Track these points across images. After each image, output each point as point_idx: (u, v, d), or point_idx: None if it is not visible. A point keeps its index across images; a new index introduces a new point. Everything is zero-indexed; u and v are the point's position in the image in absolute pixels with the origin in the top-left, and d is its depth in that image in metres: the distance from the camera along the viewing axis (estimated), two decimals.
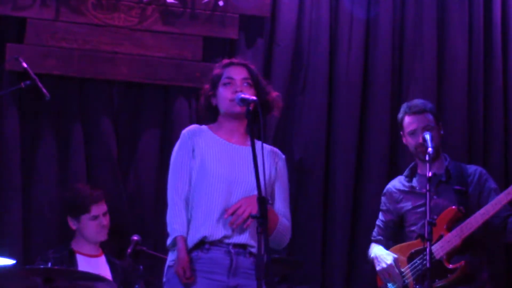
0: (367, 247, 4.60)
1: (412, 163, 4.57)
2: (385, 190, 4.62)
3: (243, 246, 3.47)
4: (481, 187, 4.37)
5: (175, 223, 3.48)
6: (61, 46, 5.06)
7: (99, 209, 4.65)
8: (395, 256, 4.37)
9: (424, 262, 4.08)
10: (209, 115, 3.70)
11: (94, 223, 4.64)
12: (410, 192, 4.48)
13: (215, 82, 3.65)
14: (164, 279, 3.53)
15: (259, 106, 3.38)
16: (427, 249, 3.79)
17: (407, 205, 4.46)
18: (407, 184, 4.52)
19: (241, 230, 3.46)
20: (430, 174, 3.98)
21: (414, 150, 4.43)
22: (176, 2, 5.24)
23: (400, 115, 4.53)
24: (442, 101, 5.59)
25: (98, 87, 5.16)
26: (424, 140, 4.26)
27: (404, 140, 4.53)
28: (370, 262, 4.51)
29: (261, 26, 5.43)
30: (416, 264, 4.31)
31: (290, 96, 5.46)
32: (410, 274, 4.33)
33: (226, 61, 3.75)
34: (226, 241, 3.45)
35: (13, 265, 4.22)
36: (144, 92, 5.25)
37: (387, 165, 5.47)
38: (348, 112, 5.48)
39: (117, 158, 5.14)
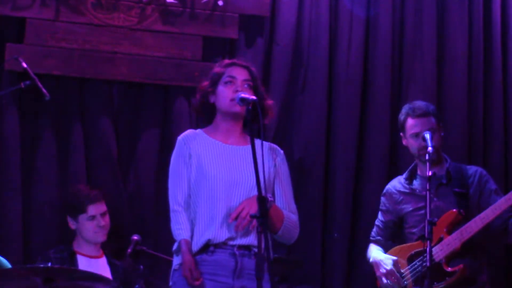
0: (366, 247, 4.60)
1: (412, 165, 4.56)
2: (384, 191, 4.62)
3: (248, 248, 3.47)
4: (481, 188, 4.37)
5: (177, 228, 3.51)
6: (61, 46, 5.06)
7: (96, 209, 4.64)
8: (395, 258, 4.37)
9: (424, 263, 4.09)
10: (204, 112, 3.69)
11: (92, 223, 4.63)
12: (411, 194, 4.47)
13: (215, 80, 3.65)
14: (170, 283, 3.54)
15: (259, 105, 3.39)
16: (427, 248, 3.78)
17: (408, 207, 4.45)
18: (407, 186, 4.51)
19: (245, 231, 3.46)
20: (430, 173, 3.98)
21: (417, 153, 4.41)
22: (175, 1, 5.24)
23: (402, 117, 4.50)
24: (442, 101, 5.59)
25: (98, 87, 5.16)
26: (424, 139, 4.26)
27: (404, 142, 4.52)
28: (369, 265, 4.50)
29: (261, 26, 5.42)
30: (416, 265, 4.30)
31: (290, 96, 5.46)
32: (409, 275, 4.32)
33: (227, 60, 3.76)
34: (231, 243, 3.47)
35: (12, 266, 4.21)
36: (144, 92, 5.25)
37: (387, 165, 5.47)
38: (348, 112, 5.48)
39: (117, 158, 5.14)
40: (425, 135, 4.26)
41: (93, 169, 5.11)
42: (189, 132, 3.67)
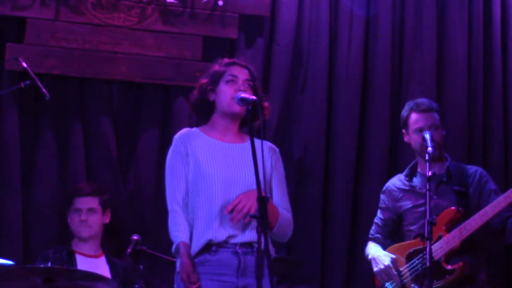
0: (365, 246, 4.59)
1: (412, 162, 4.56)
2: (384, 188, 4.62)
3: (250, 245, 3.47)
4: (481, 188, 4.37)
5: (175, 230, 3.49)
6: (61, 46, 5.06)
7: (83, 203, 4.66)
8: (393, 256, 4.37)
9: (423, 261, 4.10)
10: (201, 109, 3.69)
11: (75, 216, 4.65)
12: (410, 191, 4.47)
13: (215, 78, 3.65)
14: (175, 286, 3.53)
15: (259, 105, 3.39)
16: (427, 248, 3.78)
17: (407, 204, 4.46)
18: (407, 183, 4.51)
19: (245, 228, 3.46)
20: (430, 174, 3.98)
21: (419, 148, 4.40)
22: (175, 1, 5.24)
23: (405, 113, 4.49)
24: (442, 101, 5.58)
25: (98, 87, 5.16)
26: (424, 139, 4.26)
27: (406, 138, 4.51)
28: (367, 262, 4.50)
29: (261, 26, 5.43)
30: (415, 263, 4.30)
31: (290, 96, 5.46)
32: (408, 273, 4.32)
33: (228, 60, 3.75)
34: (232, 241, 3.46)
35: (13, 264, 4.21)
36: (144, 91, 5.25)
37: (387, 165, 5.47)
38: (347, 112, 5.48)
39: (117, 158, 5.14)
40: (425, 135, 4.26)
41: (93, 168, 5.11)
42: (185, 130, 3.67)
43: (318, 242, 5.36)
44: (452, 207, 4.27)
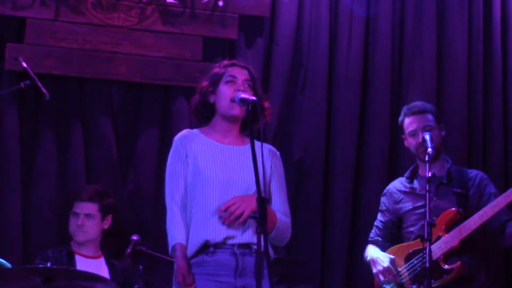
0: (365, 247, 4.60)
1: (413, 165, 4.57)
2: (385, 191, 4.63)
3: (248, 246, 3.47)
4: (481, 191, 4.37)
5: (172, 231, 3.50)
6: (61, 46, 5.06)
7: (81, 208, 4.66)
8: (392, 257, 4.37)
9: (422, 262, 4.12)
10: (203, 112, 3.69)
11: (73, 219, 4.66)
12: (410, 193, 4.48)
13: (215, 80, 3.65)
14: (173, 287, 3.53)
15: (259, 105, 3.39)
16: (427, 249, 3.78)
17: (407, 205, 4.46)
18: (407, 185, 4.52)
19: (243, 229, 3.46)
20: (429, 175, 3.98)
21: (415, 151, 4.43)
22: (175, 2, 5.24)
23: (400, 118, 4.54)
24: (442, 100, 5.59)
25: (98, 87, 5.16)
26: (424, 140, 4.26)
27: (406, 143, 4.52)
28: (367, 264, 4.50)
29: (261, 26, 5.43)
30: (413, 264, 4.31)
31: (290, 96, 5.47)
32: (406, 273, 4.33)
33: (228, 61, 3.76)
34: (230, 242, 3.45)
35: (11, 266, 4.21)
36: (144, 92, 5.25)
37: (387, 165, 5.47)
38: (347, 112, 5.48)
39: (117, 158, 5.14)
40: (425, 136, 4.26)
41: (92, 169, 5.11)
42: (185, 132, 3.67)
43: (318, 242, 5.36)
44: (452, 208, 4.28)
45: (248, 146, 3.42)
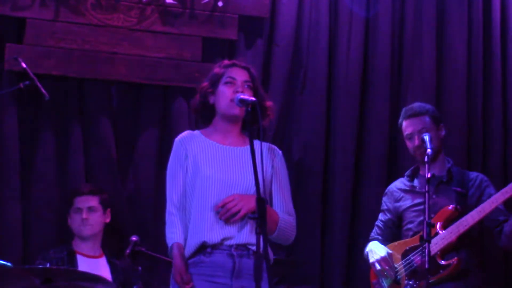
0: (365, 247, 4.60)
1: (415, 165, 4.58)
2: (386, 190, 4.66)
3: (245, 247, 3.46)
4: (481, 191, 4.38)
5: (170, 232, 3.51)
6: (60, 46, 5.06)
7: (83, 202, 4.66)
8: (390, 251, 4.38)
9: (418, 258, 4.12)
10: (203, 113, 3.69)
11: (76, 216, 4.66)
12: (410, 191, 4.51)
13: (215, 81, 3.65)
14: (170, 287, 3.54)
15: (258, 106, 3.38)
16: (426, 250, 3.79)
17: (406, 203, 4.48)
18: (408, 183, 4.54)
19: (240, 230, 3.46)
20: (429, 175, 3.99)
21: (413, 153, 4.46)
22: (175, 2, 5.24)
23: (399, 121, 4.57)
24: (441, 101, 5.59)
25: (97, 88, 5.16)
26: (423, 141, 4.27)
27: (407, 145, 4.55)
28: (365, 259, 4.51)
29: (260, 27, 5.43)
30: (410, 260, 4.32)
31: (290, 97, 5.47)
32: (403, 269, 4.34)
33: (227, 61, 3.75)
34: (227, 243, 3.45)
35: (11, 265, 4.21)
36: (143, 92, 5.25)
37: (386, 165, 5.48)
38: (347, 112, 5.48)
39: (116, 158, 5.14)
40: (424, 136, 4.27)
41: (92, 169, 5.11)
42: (186, 133, 3.67)
43: (318, 243, 5.36)
44: (450, 206, 4.29)
45: (249, 146, 3.41)
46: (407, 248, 4.35)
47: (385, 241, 4.53)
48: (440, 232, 4.24)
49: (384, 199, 4.62)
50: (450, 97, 5.63)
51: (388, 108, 5.53)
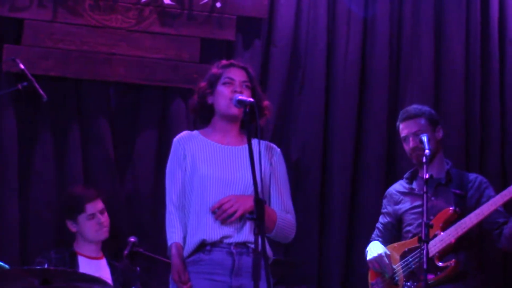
0: (364, 248, 4.60)
1: (414, 167, 4.58)
2: (386, 193, 4.66)
3: (245, 245, 3.47)
4: (480, 193, 4.38)
5: (169, 232, 3.52)
6: (58, 47, 5.06)
7: (94, 207, 4.65)
8: (388, 252, 4.39)
9: (416, 259, 4.12)
10: (201, 113, 3.69)
11: (92, 222, 4.63)
12: (409, 194, 4.51)
13: (213, 81, 3.65)
14: (169, 287, 3.54)
15: (256, 107, 3.39)
16: (424, 251, 3.79)
17: (405, 205, 4.48)
18: (407, 186, 4.54)
19: (240, 228, 3.46)
20: (427, 176, 3.99)
21: (409, 155, 4.46)
22: (173, 3, 5.24)
23: (397, 123, 4.57)
24: (440, 101, 5.59)
25: (95, 88, 5.16)
26: (421, 141, 4.27)
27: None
28: (365, 257, 4.50)
29: (259, 28, 5.43)
30: (408, 261, 4.32)
31: (288, 97, 5.47)
32: (401, 271, 4.34)
33: (225, 62, 3.76)
34: (226, 241, 3.46)
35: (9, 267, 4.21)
36: (142, 93, 5.25)
37: (384, 166, 5.48)
38: (345, 113, 5.49)
39: (115, 159, 5.14)
40: (422, 137, 4.27)
41: (90, 170, 5.11)
42: (184, 133, 3.68)
43: (316, 243, 5.36)
44: (449, 208, 4.29)
45: (247, 145, 3.42)
46: (406, 249, 4.35)
47: (385, 243, 4.53)
48: (438, 233, 4.24)
49: (384, 201, 4.63)
50: (448, 97, 5.63)
51: (386, 108, 5.53)
